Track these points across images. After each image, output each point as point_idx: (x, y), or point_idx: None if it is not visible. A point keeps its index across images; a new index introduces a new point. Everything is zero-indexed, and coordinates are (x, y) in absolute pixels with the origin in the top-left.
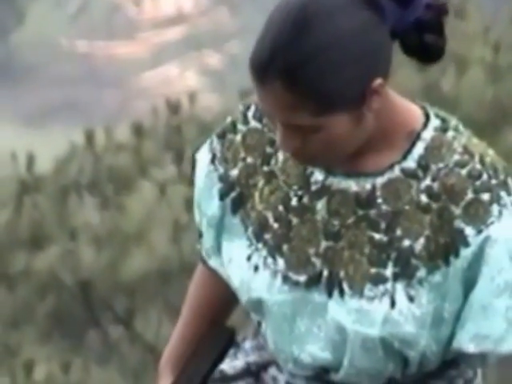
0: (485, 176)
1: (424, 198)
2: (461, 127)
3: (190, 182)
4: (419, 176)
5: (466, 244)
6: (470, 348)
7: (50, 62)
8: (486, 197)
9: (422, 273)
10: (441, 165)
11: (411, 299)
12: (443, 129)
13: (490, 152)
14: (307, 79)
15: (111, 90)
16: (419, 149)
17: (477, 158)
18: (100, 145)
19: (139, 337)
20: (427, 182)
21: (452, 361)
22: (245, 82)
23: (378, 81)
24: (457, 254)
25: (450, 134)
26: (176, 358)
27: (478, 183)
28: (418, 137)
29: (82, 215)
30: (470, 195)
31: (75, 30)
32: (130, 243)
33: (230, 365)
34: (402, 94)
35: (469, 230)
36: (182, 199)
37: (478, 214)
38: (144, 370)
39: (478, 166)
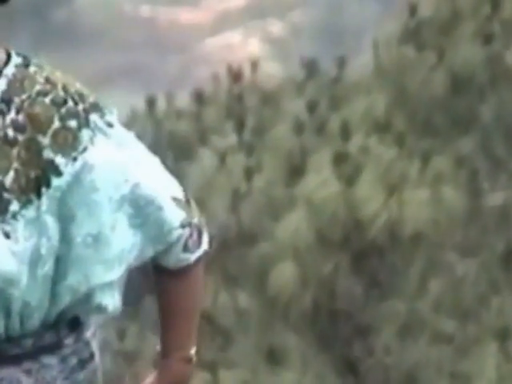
0: (70, 102)
1: (10, 132)
2: (44, 65)
3: (250, 150)
4: (4, 111)
5: (59, 173)
6: (80, 287)
7: (112, 27)
8: (73, 123)
9: (15, 206)
10: (24, 96)
11: (7, 235)
12: (25, 64)
13: (77, 84)
14: None
15: (173, 56)
16: (1, 85)
17: (60, 87)
18: (161, 111)
19: None
20: (12, 115)
21: (67, 336)
22: (307, 50)
23: None
24: (48, 185)
25: (32, 68)
26: None
27: (63, 110)
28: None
29: None
30: (56, 123)
31: None
32: None
33: None
34: (465, 66)
35: (59, 159)
36: (241, 168)
37: (68, 142)
38: (198, 337)
39: (62, 94)
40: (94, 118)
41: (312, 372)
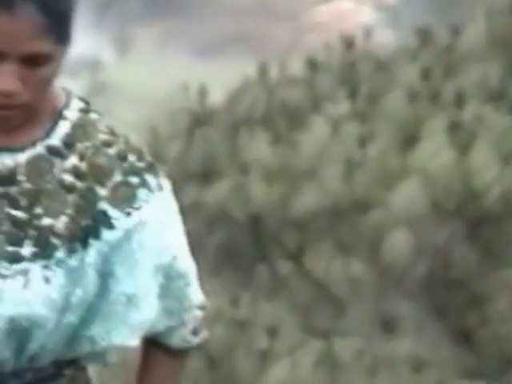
0: (133, 158)
1: (68, 177)
2: (102, 113)
3: (364, 118)
4: (64, 154)
5: (111, 226)
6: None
7: None
8: (134, 180)
9: (60, 254)
10: (88, 144)
11: (47, 281)
12: (87, 110)
13: (132, 137)
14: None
15: (284, 23)
16: (64, 127)
17: (122, 139)
18: (273, 79)
19: (308, 273)
20: (74, 160)
21: (67, 367)
22: (420, 18)
23: None
24: (98, 236)
25: (94, 115)
26: None
27: (126, 165)
28: (60, 116)
29: (254, 150)
30: (118, 177)
31: None
32: (301, 179)
33: None
34: None
35: (113, 212)
36: (355, 136)
37: (126, 198)
38: (312, 306)
39: (125, 147)
40: (150, 178)
41: (427, 340)
